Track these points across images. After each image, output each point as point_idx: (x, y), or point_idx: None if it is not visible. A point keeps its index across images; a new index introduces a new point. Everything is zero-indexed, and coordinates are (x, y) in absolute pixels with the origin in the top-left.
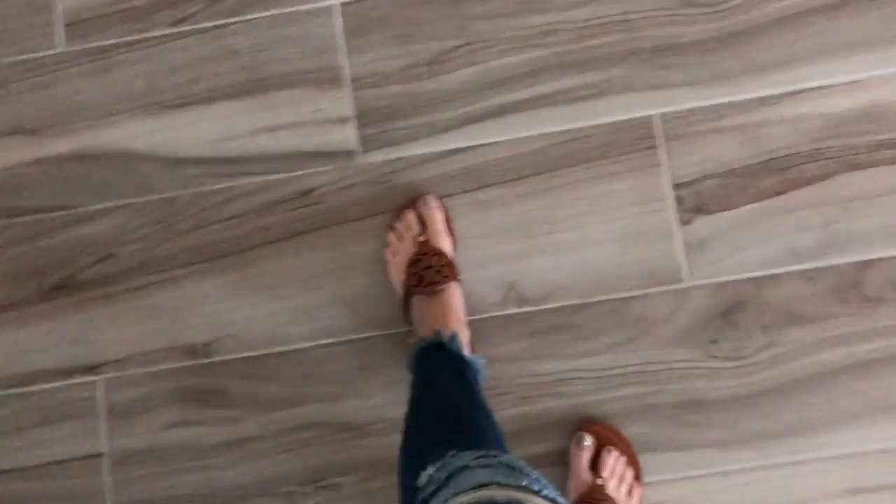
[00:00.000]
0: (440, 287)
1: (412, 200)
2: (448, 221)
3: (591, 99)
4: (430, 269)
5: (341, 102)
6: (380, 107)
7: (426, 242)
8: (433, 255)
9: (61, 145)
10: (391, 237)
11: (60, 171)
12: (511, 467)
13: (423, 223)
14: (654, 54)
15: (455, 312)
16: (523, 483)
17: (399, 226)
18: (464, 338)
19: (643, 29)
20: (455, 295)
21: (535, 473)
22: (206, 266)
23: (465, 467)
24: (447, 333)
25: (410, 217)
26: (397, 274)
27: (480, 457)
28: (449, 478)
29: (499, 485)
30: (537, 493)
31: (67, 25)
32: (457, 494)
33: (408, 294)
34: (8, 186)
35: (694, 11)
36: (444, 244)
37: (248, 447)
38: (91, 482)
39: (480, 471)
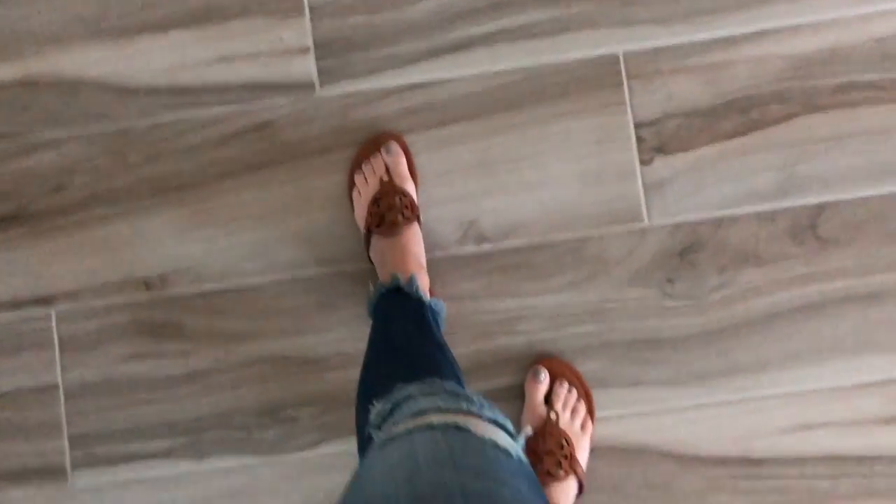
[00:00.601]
0: (400, 228)
1: (375, 140)
2: (411, 164)
3: (555, 35)
4: (391, 209)
5: (300, 33)
6: (340, 38)
7: (390, 182)
8: (396, 195)
9: (7, 71)
10: (358, 179)
11: (7, 98)
12: (454, 394)
13: (387, 167)
14: None
15: (413, 255)
16: (463, 406)
17: (365, 167)
18: (423, 281)
19: None
20: (414, 237)
21: (478, 398)
22: (161, 199)
23: (408, 397)
24: (404, 277)
25: (377, 160)
26: (360, 212)
27: (424, 385)
28: (393, 409)
29: (439, 410)
30: (476, 415)
31: None
32: (396, 424)
33: (369, 232)
34: None
35: None
36: (408, 186)
37: (205, 380)
38: (46, 413)
39: (423, 399)
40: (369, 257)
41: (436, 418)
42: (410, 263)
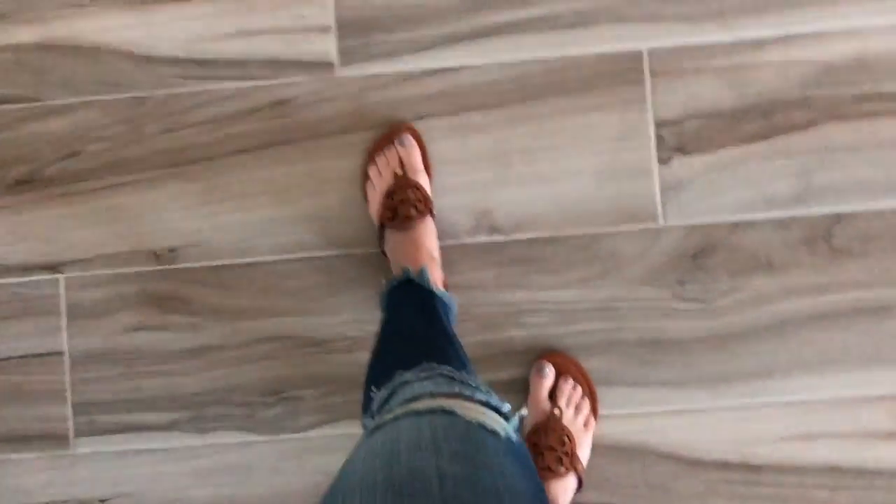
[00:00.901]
0: (413, 222)
1: (391, 131)
2: (425, 156)
3: (580, 27)
4: (404, 203)
5: (322, 11)
6: (362, 18)
7: (403, 175)
8: (409, 188)
9: (27, 33)
10: (371, 171)
11: (26, 61)
12: (449, 377)
13: (401, 159)
14: None
15: (426, 249)
16: (455, 389)
17: (379, 160)
18: (436, 274)
19: None
20: (427, 231)
21: (475, 381)
22: (175, 171)
23: (404, 383)
24: (415, 269)
25: (391, 152)
26: (374, 206)
27: (420, 371)
28: (391, 396)
29: (431, 395)
30: (468, 397)
31: None
32: (390, 411)
33: (382, 226)
34: None
35: None
36: (422, 180)
37: (210, 356)
38: (51, 380)
39: (418, 384)
40: (383, 251)
41: (424, 403)
42: (423, 257)
